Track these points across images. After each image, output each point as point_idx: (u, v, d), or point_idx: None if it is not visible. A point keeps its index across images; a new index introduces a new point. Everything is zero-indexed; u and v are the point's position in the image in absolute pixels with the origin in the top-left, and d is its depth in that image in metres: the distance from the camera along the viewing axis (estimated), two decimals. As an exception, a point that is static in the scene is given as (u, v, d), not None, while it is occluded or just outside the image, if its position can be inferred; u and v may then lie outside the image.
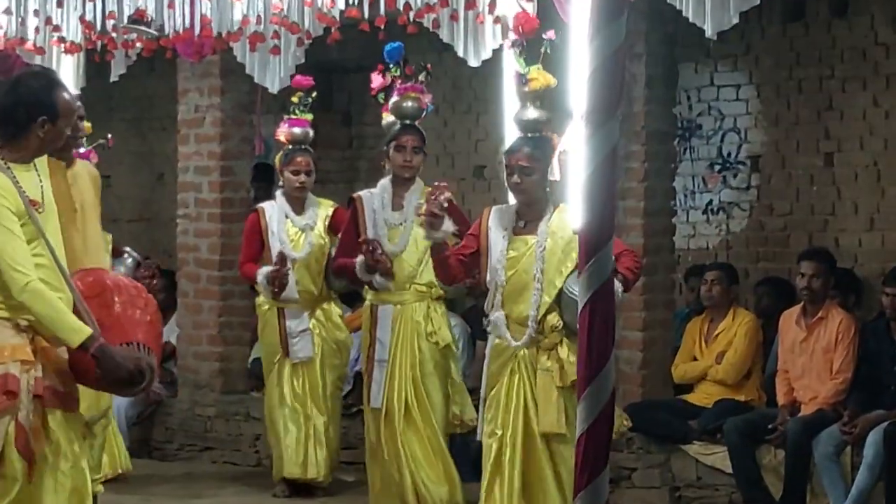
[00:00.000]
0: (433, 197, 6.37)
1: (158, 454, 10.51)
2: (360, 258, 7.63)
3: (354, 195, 7.96)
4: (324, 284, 8.82)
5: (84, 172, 7.10)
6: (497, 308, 6.46)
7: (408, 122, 7.76)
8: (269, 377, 8.94)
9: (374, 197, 7.79)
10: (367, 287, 7.92)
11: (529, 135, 6.47)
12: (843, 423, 8.08)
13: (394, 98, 7.78)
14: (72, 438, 5.51)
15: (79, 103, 5.92)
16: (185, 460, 10.33)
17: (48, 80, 5.80)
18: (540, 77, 6.46)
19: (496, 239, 6.46)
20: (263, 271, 8.62)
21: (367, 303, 7.94)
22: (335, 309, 8.93)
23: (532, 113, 6.48)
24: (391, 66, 7.83)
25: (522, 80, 6.48)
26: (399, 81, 7.79)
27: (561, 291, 6.26)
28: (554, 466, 6.31)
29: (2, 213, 5.29)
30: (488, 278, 6.49)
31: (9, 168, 5.33)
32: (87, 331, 5.26)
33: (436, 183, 6.60)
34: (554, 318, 6.32)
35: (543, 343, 6.33)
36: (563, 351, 6.27)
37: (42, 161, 5.50)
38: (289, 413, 8.73)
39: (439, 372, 7.66)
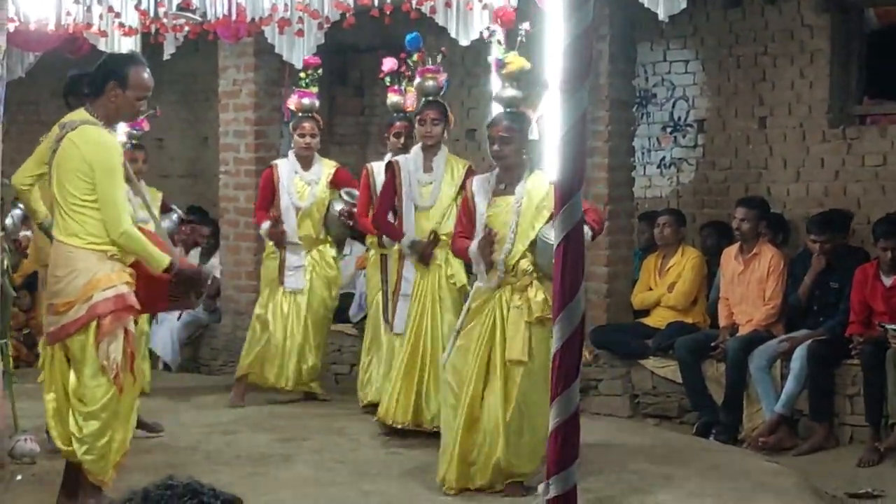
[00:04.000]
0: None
1: (205, 370, 10.51)
2: (405, 239, 7.58)
3: (392, 160, 7.79)
4: (322, 230, 8.69)
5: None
6: None
7: (430, 98, 7.65)
8: (263, 294, 8.79)
9: (409, 161, 7.67)
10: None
11: (508, 110, 6.36)
12: (780, 340, 8.13)
13: (417, 80, 7.70)
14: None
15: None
16: (227, 374, 10.16)
17: (130, 56, 5.75)
18: (515, 61, 6.39)
19: (480, 201, 6.35)
20: (265, 226, 8.57)
21: (395, 247, 7.82)
22: (329, 251, 8.76)
23: (510, 92, 6.39)
24: (412, 53, 7.76)
25: (501, 64, 6.43)
26: (419, 66, 7.71)
27: (535, 240, 6.13)
28: (506, 389, 6.09)
29: (118, 168, 5.38)
30: (476, 232, 6.34)
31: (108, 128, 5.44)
32: (167, 258, 5.49)
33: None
34: (525, 264, 6.17)
35: (516, 285, 6.18)
36: (532, 291, 6.12)
37: None
38: (273, 331, 8.60)
39: (455, 307, 7.41)
